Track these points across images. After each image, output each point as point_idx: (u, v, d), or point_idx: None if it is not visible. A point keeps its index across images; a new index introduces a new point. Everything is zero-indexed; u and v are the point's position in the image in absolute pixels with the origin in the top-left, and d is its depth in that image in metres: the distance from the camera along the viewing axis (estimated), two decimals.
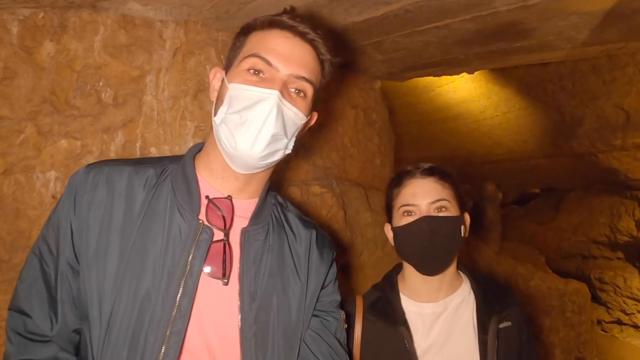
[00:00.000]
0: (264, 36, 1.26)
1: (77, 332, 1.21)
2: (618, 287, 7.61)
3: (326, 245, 1.45)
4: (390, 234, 1.70)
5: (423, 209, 1.58)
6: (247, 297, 1.22)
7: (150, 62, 2.01)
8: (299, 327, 1.31)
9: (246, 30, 1.31)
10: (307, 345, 1.34)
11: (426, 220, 1.57)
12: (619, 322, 7.81)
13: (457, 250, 1.65)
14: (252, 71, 1.22)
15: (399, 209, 1.63)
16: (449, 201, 1.59)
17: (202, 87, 2.08)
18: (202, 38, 2.09)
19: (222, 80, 1.28)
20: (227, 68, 1.31)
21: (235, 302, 1.21)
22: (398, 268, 1.78)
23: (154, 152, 2.00)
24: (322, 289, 1.41)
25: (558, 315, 4.67)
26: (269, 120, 1.18)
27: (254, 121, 1.18)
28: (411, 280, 1.68)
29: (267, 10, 1.87)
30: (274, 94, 1.18)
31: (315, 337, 1.36)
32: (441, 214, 1.58)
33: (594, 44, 2.46)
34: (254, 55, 1.23)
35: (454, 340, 1.59)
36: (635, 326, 7.63)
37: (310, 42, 1.28)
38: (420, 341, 1.58)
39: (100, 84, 1.94)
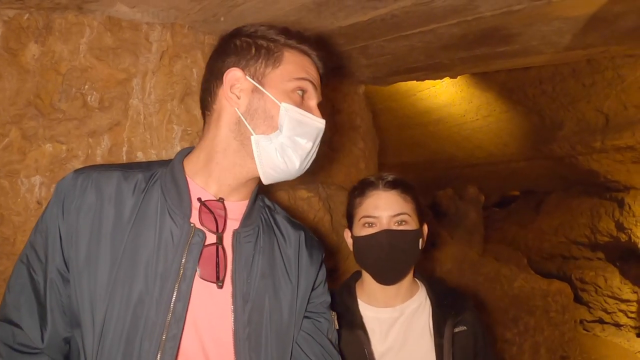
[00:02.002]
0: (300, 60, 1.28)
1: (67, 341, 1.19)
2: (599, 287, 7.72)
3: (315, 247, 1.45)
4: (349, 241, 1.74)
5: (384, 222, 1.63)
6: (240, 299, 1.22)
7: (137, 65, 1.99)
8: (291, 329, 1.31)
9: (274, 39, 1.27)
10: (299, 347, 1.35)
11: (386, 233, 1.61)
12: (601, 321, 7.93)
13: (415, 261, 1.72)
14: (299, 92, 1.25)
15: (360, 219, 1.67)
16: (409, 215, 1.64)
17: (189, 91, 2.07)
18: (189, 41, 2.08)
19: (254, 89, 1.23)
20: (254, 75, 1.24)
21: (228, 305, 1.21)
22: (356, 275, 1.83)
23: (140, 156, 1.98)
24: (312, 290, 1.41)
25: (542, 315, 4.73)
26: (315, 146, 1.27)
27: (307, 147, 1.24)
28: (369, 287, 1.73)
29: (256, 13, 1.89)
30: (323, 123, 1.27)
31: (307, 338, 1.37)
32: (401, 228, 1.63)
33: (576, 48, 2.50)
34: (304, 79, 1.25)
35: (410, 344, 1.65)
36: (616, 325, 7.75)
37: (321, 61, 1.34)
38: (378, 345, 1.64)
39: (86, 87, 1.92)
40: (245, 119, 1.22)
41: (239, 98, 1.23)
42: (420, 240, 1.68)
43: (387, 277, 1.67)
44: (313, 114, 1.25)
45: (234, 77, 1.24)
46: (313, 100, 1.28)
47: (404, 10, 1.97)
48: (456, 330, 1.65)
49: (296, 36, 1.28)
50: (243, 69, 1.24)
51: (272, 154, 1.21)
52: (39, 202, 1.85)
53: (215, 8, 1.90)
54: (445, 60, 2.77)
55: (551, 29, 2.24)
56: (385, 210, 1.63)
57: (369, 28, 2.18)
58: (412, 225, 1.65)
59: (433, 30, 2.23)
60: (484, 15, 2.03)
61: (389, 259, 1.63)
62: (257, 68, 1.24)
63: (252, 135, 1.21)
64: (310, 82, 1.26)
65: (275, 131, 1.21)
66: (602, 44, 2.48)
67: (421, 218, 1.71)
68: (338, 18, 2.06)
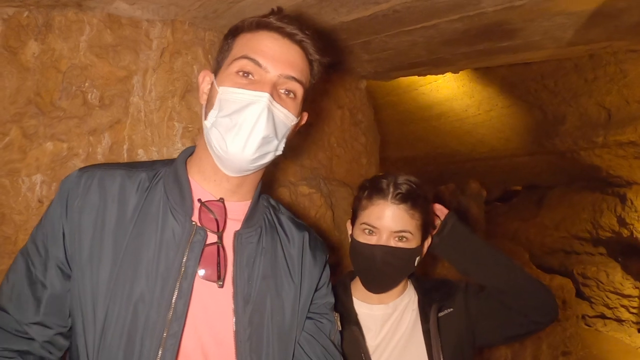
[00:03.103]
0: (252, 38, 1.25)
1: (64, 336, 1.20)
2: (601, 282, 7.74)
3: (319, 248, 1.45)
4: (349, 234, 1.75)
5: (383, 236, 1.61)
6: (241, 300, 1.22)
7: (137, 63, 1.98)
8: (293, 330, 1.31)
9: (234, 33, 1.30)
10: (301, 348, 1.35)
11: (382, 249, 1.60)
12: (603, 317, 7.95)
13: (406, 276, 1.73)
14: (241, 73, 1.22)
15: (362, 223, 1.65)
16: (411, 233, 1.61)
17: (190, 88, 2.06)
18: (190, 38, 2.06)
19: (212, 84, 1.28)
20: (216, 71, 1.30)
21: (229, 305, 1.21)
22: (352, 274, 1.84)
23: (141, 154, 1.98)
24: (315, 291, 1.41)
25: None
26: (259, 123, 1.17)
27: (245, 124, 1.17)
28: (363, 287, 1.73)
29: (256, 10, 1.87)
30: (264, 96, 1.18)
31: (309, 340, 1.37)
32: (400, 245, 1.61)
33: (579, 43, 2.48)
34: (243, 57, 1.22)
35: (402, 335, 1.66)
36: (618, 320, 7.77)
37: (299, 43, 1.27)
38: (371, 341, 1.65)
39: (86, 84, 1.91)
40: (204, 110, 1.28)
41: (205, 94, 1.31)
42: (418, 257, 1.67)
43: (374, 287, 1.68)
44: (253, 90, 1.19)
45: (201, 77, 1.33)
46: (269, 74, 1.22)
47: (405, 5, 1.96)
48: (441, 314, 1.66)
49: (259, 17, 1.27)
50: (212, 68, 1.33)
51: (218, 136, 1.20)
52: (40, 201, 1.84)
53: (215, 4, 1.88)
54: (447, 56, 2.75)
55: (554, 24, 2.22)
56: (388, 224, 1.60)
57: (371, 23, 2.16)
58: (412, 243, 1.62)
59: (435, 26, 2.22)
60: (486, 10, 2.02)
61: (380, 273, 1.63)
62: (218, 62, 1.30)
63: (204, 122, 1.25)
64: (254, 59, 1.21)
65: (214, 114, 1.22)
66: (605, 39, 2.46)
67: (425, 234, 1.69)
68: (340, 13, 2.04)
